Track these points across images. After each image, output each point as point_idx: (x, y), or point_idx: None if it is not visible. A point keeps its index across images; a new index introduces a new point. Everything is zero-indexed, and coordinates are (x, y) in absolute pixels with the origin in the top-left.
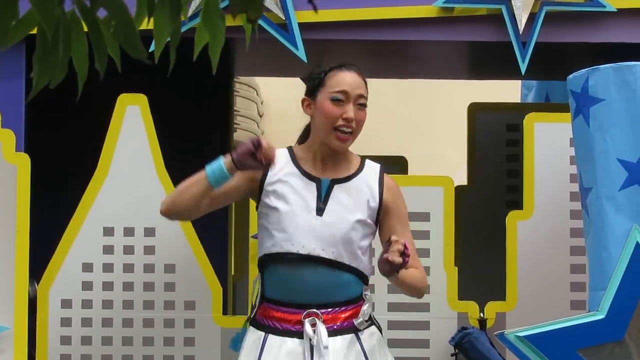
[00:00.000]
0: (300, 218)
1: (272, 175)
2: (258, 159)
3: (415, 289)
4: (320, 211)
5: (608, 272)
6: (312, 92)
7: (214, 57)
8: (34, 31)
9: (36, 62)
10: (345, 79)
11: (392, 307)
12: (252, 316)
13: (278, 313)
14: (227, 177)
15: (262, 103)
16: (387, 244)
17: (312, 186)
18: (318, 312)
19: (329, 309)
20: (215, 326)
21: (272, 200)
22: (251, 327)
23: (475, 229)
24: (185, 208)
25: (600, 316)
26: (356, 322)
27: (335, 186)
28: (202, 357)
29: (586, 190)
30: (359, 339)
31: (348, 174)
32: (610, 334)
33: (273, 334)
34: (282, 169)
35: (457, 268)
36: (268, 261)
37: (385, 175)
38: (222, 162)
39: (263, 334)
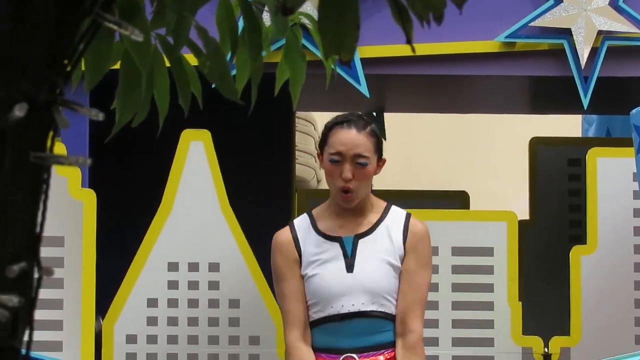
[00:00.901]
0: (334, 280)
1: (303, 249)
2: None
3: None
4: (350, 268)
5: None
6: (320, 148)
7: (295, 94)
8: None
9: (119, 98)
10: (342, 139)
11: (456, 342)
12: None
13: (318, 359)
14: None
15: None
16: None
17: (336, 246)
18: (355, 356)
19: (365, 353)
20: None
21: (307, 271)
22: None
23: (537, 264)
24: None
25: None
26: None
27: (360, 241)
28: None
29: None
30: None
31: (370, 226)
32: None
33: None
34: (307, 238)
35: (521, 303)
36: (315, 324)
37: (412, 220)
38: None
39: None
